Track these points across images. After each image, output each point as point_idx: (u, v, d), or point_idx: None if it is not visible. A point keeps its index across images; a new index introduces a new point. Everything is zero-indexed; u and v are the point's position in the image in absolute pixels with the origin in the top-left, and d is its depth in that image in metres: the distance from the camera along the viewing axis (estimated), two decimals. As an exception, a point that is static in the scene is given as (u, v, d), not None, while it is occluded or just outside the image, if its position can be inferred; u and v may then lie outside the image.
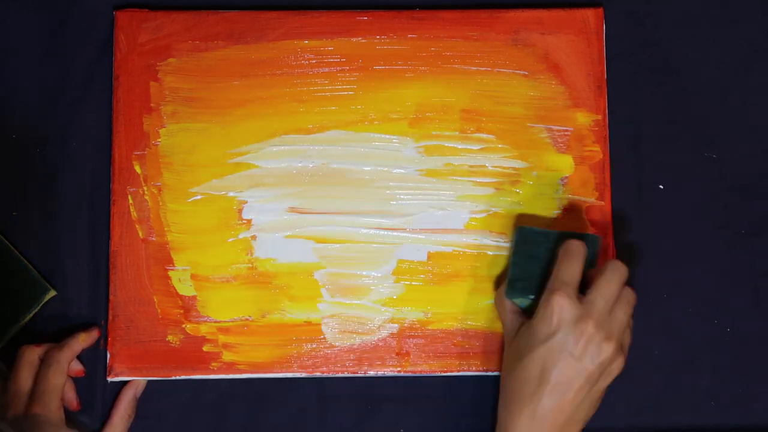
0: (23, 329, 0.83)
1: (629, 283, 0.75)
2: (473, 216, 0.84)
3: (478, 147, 0.84)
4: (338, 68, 0.85)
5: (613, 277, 0.75)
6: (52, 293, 0.83)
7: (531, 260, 0.78)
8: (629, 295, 0.76)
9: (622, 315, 0.75)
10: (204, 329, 0.82)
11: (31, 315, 0.83)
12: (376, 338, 0.83)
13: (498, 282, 0.83)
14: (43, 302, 0.83)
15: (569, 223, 0.83)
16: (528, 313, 0.78)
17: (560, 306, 0.73)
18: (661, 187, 0.85)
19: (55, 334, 0.82)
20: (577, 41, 0.85)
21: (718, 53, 0.87)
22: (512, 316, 0.78)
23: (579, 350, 0.73)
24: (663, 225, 0.85)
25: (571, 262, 0.75)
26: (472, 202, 0.84)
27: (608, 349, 0.73)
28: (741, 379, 0.83)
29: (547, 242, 0.78)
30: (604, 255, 0.83)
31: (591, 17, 0.85)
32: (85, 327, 0.82)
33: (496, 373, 0.82)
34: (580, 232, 0.80)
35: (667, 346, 0.84)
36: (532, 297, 0.77)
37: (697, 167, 0.86)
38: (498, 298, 0.80)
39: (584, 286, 0.76)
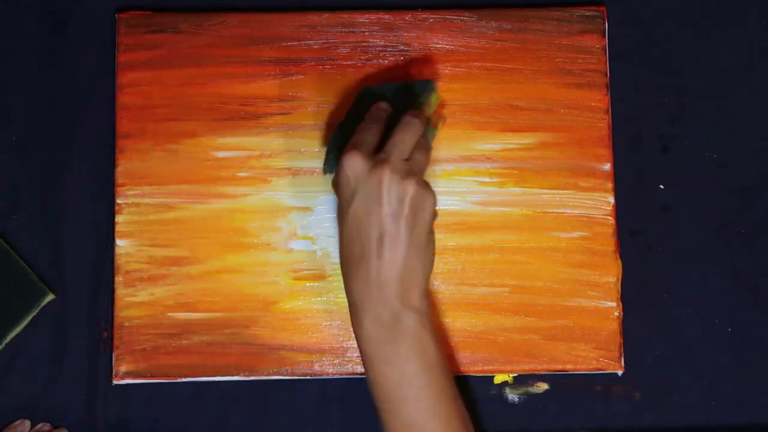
0: (23, 331, 0.82)
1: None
2: (474, 216, 0.84)
3: (479, 146, 0.84)
4: (338, 68, 0.84)
5: (408, 130, 0.73)
6: (51, 296, 0.82)
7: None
8: (424, 141, 0.74)
9: (420, 157, 0.72)
10: (204, 329, 0.82)
11: (30, 318, 0.82)
12: (376, 339, 0.83)
13: None
14: (41, 305, 0.82)
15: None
16: None
17: (352, 163, 0.70)
18: (662, 187, 0.85)
19: (55, 335, 0.82)
20: (578, 41, 0.85)
21: (718, 53, 0.87)
22: (333, 189, 0.75)
23: (383, 197, 0.70)
24: (663, 225, 0.85)
25: (369, 126, 0.73)
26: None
27: (411, 185, 0.70)
28: (741, 379, 0.84)
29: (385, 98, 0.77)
30: (609, 248, 0.83)
31: (592, 17, 0.85)
32: (84, 327, 0.82)
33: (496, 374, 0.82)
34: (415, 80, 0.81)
35: (667, 346, 0.84)
36: None
37: (697, 167, 0.86)
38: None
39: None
